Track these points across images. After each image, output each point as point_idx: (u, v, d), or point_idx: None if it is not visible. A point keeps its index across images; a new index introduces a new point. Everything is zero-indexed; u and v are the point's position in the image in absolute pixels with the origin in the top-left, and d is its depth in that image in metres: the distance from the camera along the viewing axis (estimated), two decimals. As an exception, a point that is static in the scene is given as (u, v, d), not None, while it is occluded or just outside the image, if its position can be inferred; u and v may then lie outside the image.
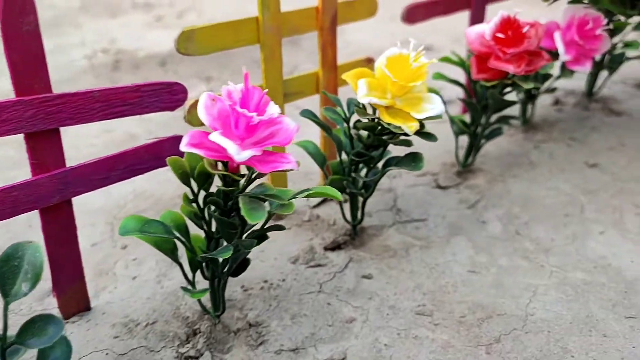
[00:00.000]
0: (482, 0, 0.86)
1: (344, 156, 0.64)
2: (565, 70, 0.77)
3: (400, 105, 0.58)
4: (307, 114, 0.64)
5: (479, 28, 0.66)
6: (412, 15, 0.80)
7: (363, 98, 0.56)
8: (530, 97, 0.84)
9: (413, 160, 0.61)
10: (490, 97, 0.69)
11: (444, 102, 0.58)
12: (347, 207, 0.71)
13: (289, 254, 0.67)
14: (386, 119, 0.57)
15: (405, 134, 0.58)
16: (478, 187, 0.76)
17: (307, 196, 0.53)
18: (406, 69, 0.56)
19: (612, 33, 0.89)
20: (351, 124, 0.61)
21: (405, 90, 0.57)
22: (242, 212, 0.46)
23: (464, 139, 0.84)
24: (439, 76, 0.72)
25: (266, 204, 0.49)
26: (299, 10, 0.68)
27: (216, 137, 0.46)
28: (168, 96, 0.57)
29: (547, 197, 0.74)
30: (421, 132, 0.59)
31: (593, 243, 0.67)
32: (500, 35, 0.63)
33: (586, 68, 0.76)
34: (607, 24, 0.80)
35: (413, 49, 0.57)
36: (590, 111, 0.95)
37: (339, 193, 0.53)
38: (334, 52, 0.72)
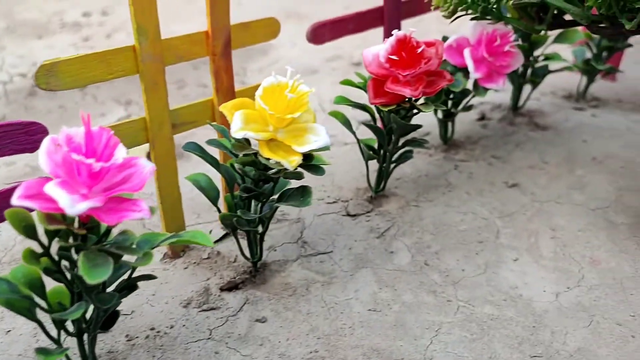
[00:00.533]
0: (396, 15, 0.82)
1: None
2: (479, 88, 0.73)
3: (282, 137, 0.53)
4: (191, 147, 0.59)
5: (375, 49, 0.62)
6: (317, 36, 0.76)
7: (237, 133, 0.51)
8: (448, 115, 0.80)
9: (302, 195, 0.56)
10: (394, 121, 0.65)
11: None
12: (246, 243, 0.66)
13: (182, 296, 0.61)
14: (266, 153, 0.52)
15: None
16: (390, 214, 0.72)
17: (174, 243, 0.48)
18: (283, 99, 0.51)
19: (532, 46, 0.86)
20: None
21: (286, 122, 0.53)
22: (81, 271, 0.40)
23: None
24: (341, 100, 0.67)
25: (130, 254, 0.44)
26: (184, 36, 0.63)
27: (50, 188, 0.40)
28: (24, 137, 0.51)
29: (462, 222, 0.70)
30: (307, 165, 0.54)
31: (506, 272, 0.63)
32: (393, 57, 0.59)
33: (499, 85, 0.73)
34: (517, 39, 0.77)
35: (290, 77, 0.52)
36: (516, 126, 0.91)
37: (210, 239, 0.48)
38: (229, 78, 0.68)
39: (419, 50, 0.59)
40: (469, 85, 0.75)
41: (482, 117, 0.93)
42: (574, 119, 0.94)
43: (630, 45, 0.99)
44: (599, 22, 0.66)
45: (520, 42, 0.82)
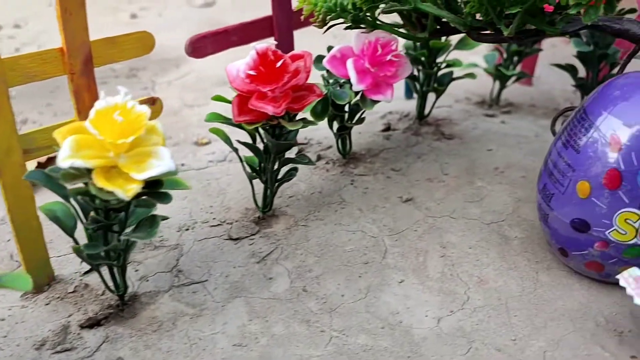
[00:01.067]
0: (287, 25, 0.78)
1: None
2: (366, 100, 0.69)
3: (123, 164, 0.48)
4: (33, 176, 0.53)
5: (238, 64, 0.57)
6: (198, 49, 0.71)
7: (63, 161, 0.46)
8: (342, 129, 0.76)
9: (150, 225, 0.51)
10: (266, 140, 0.60)
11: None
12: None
13: (37, 337, 0.56)
14: (101, 182, 0.47)
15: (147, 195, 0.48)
16: (275, 236, 0.67)
17: (-12, 288, 0.42)
18: (115, 123, 0.46)
19: (433, 53, 0.82)
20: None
21: (124, 147, 0.48)
22: None
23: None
24: (213, 117, 0.63)
25: None
26: (34, 54, 0.58)
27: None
28: None
29: (350, 242, 0.66)
30: (153, 193, 0.49)
31: (388, 296, 0.59)
32: (251, 72, 0.54)
33: (387, 97, 0.69)
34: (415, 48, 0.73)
35: (123, 97, 0.47)
36: (421, 136, 0.88)
37: (30, 283, 0.43)
38: (92, 98, 0.62)
39: (278, 64, 0.54)
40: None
41: (388, 128, 0.90)
42: (483, 126, 0.91)
43: (539, 50, 0.97)
44: (479, 29, 0.63)
45: (420, 48, 0.78)
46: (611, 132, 0.53)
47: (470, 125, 0.91)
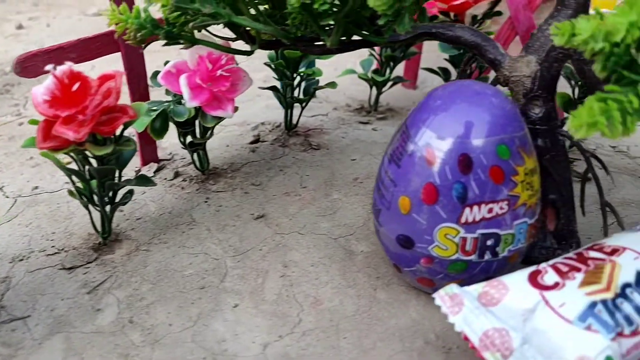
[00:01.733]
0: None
1: None
2: (206, 116, 0.66)
3: None
4: None
5: (43, 86, 0.53)
6: (28, 69, 0.66)
7: None
8: (193, 145, 0.73)
9: None
10: (83, 165, 0.57)
11: None
12: None
13: None
14: None
15: None
16: (113, 263, 0.63)
17: None
18: None
19: (290, 64, 0.80)
20: None
21: None
22: None
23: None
24: (30, 142, 0.58)
25: None
26: None
27: None
28: None
29: (190, 266, 0.63)
30: None
31: (218, 323, 0.56)
32: (46, 97, 0.51)
33: (227, 112, 0.66)
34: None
35: None
36: (288, 147, 0.85)
37: None
38: None
39: (74, 87, 0.50)
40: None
41: (257, 140, 0.87)
42: (353, 135, 0.89)
43: (415, 53, 0.95)
44: (309, 39, 0.60)
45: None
46: (427, 146, 0.52)
47: (340, 134, 0.89)
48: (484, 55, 0.61)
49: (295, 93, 0.84)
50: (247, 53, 0.60)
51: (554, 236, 0.62)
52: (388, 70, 0.94)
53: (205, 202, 0.73)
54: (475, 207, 0.51)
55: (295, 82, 0.82)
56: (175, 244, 0.66)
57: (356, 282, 0.61)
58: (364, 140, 0.87)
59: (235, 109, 0.68)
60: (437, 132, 0.51)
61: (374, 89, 0.97)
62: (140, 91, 0.73)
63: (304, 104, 0.85)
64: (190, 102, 0.63)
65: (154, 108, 0.65)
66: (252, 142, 0.87)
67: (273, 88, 0.81)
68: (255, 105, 0.99)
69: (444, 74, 0.93)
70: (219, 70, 0.62)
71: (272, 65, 0.80)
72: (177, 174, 0.78)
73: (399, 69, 1.05)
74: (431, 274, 0.55)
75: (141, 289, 0.60)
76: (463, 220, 0.51)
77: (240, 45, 0.61)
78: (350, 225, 0.69)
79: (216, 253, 0.65)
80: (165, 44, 0.57)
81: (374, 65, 0.96)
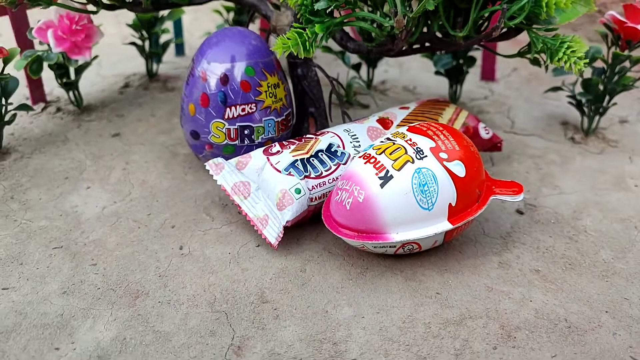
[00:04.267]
0: (19, 7, 0.98)
1: None
2: (70, 60, 0.91)
3: None
4: None
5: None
6: None
7: None
8: (67, 84, 0.98)
9: None
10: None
11: None
12: None
13: None
14: None
15: None
16: (1, 166, 0.88)
17: None
18: None
19: (144, 24, 1.05)
20: None
21: None
22: None
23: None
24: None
25: None
26: None
27: None
28: None
29: (59, 166, 0.88)
30: None
31: (74, 197, 0.82)
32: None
33: (86, 57, 0.91)
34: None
35: None
36: (149, 90, 1.11)
37: None
38: None
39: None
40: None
41: (126, 86, 1.12)
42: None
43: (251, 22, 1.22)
44: (132, 3, 0.86)
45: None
46: (202, 69, 0.78)
47: (193, 80, 1.15)
48: (259, 11, 0.88)
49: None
50: (93, 12, 0.85)
51: (314, 137, 0.90)
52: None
53: (78, 127, 0.99)
54: (233, 108, 0.78)
55: (149, 39, 1.07)
56: (51, 153, 0.92)
57: (174, 170, 0.87)
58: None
59: (95, 57, 0.93)
60: (209, 59, 0.78)
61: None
62: (25, 43, 0.98)
63: (160, 56, 1.10)
64: (55, 49, 0.88)
65: (30, 54, 0.90)
66: (122, 87, 1.12)
67: (133, 43, 1.07)
68: (133, 62, 1.24)
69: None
70: (75, 25, 0.87)
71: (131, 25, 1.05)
72: (58, 109, 1.03)
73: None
74: (214, 156, 0.82)
75: (21, 180, 0.86)
76: (226, 116, 0.78)
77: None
78: (180, 138, 0.95)
79: (80, 158, 0.91)
80: (30, 7, 0.82)
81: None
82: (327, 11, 0.71)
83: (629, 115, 1.08)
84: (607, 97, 0.94)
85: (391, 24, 0.70)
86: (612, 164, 0.92)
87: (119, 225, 0.76)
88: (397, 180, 0.64)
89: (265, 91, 0.78)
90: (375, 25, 0.74)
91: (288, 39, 0.70)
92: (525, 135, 1.00)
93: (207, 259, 0.70)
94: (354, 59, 1.21)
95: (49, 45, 0.90)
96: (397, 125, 0.80)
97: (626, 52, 0.90)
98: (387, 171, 0.64)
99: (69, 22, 0.86)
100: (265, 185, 0.72)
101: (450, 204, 0.65)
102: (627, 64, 0.94)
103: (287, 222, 0.69)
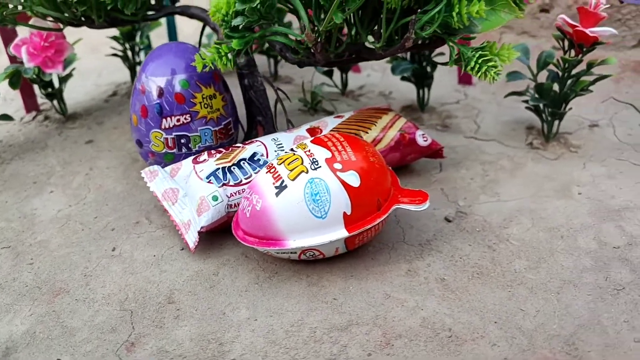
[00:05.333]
0: None
1: None
2: (45, 74, 0.99)
3: None
4: None
5: None
6: None
7: None
8: (49, 95, 1.06)
9: None
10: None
11: None
12: None
13: None
14: None
15: None
16: (-16, 171, 0.97)
17: None
18: None
19: (125, 36, 1.12)
20: None
21: None
22: None
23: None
24: None
25: None
26: None
27: None
28: None
29: (32, 171, 0.96)
30: None
31: (36, 200, 0.89)
32: None
33: (59, 70, 0.99)
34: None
35: None
36: (133, 98, 1.17)
37: None
38: None
39: None
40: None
41: (114, 94, 1.20)
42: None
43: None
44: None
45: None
46: (142, 82, 0.84)
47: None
48: (208, 25, 0.93)
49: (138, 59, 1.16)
50: (58, 30, 0.93)
51: (263, 144, 0.93)
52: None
53: (59, 134, 1.07)
54: (169, 118, 0.83)
55: (136, 49, 1.14)
56: (28, 159, 1.00)
57: (130, 176, 0.93)
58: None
59: (73, 69, 1.01)
60: (148, 73, 0.83)
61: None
62: (14, 57, 1.07)
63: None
64: (28, 64, 0.96)
65: (9, 69, 0.99)
66: (109, 96, 1.19)
67: (116, 55, 1.14)
68: (123, 72, 1.32)
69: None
70: (43, 42, 0.95)
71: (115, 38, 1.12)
72: (46, 118, 1.12)
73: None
74: (158, 164, 0.87)
75: (-4, 184, 0.94)
76: (163, 126, 0.83)
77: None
78: (146, 144, 1.01)
79: (52, 163, 0.98)
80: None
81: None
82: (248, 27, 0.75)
83: (601, 119, 1.05)
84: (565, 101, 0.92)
85: (302, 38, 0.72)
86: (564, 170, 0.90)
87: (66, 227, 0.82)
88: (290, 189, 0.67)
89: (200, 102, 0.82)
90: (294, 39, 0.76)
91: (207, 54, 0.74)
92: (485, 141, 1.00)
93: (133, 261, 0.75)
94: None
95: (22, 60, 0.98)
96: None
97: (580, 57, 0.88)
98: (283, 181, 0.67)
99: (39, 39, 0.94)
100: (190, 192, 0.77)
101: (344, 212, 0.67)
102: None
103: (201, 227, 0.73)
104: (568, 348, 0.60)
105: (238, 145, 0.81)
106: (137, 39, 1.14)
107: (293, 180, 0.67)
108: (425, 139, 0.86)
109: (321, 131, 0.83)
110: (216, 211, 0.74)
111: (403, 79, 1.06)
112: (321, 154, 0.68)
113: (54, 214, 0.85)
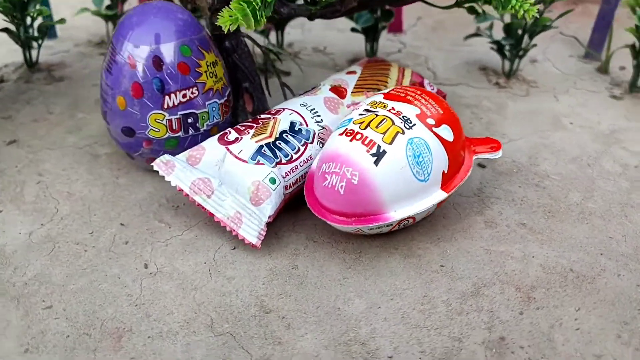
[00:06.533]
0: None
1: None
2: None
3: None
4: None
5: None
6: None
7: None
8: None
9: None
10: None
11: None
12: None
13: None
14: None
15: None
16: None
17: None
18: None
19: (17, 7, 0.87)
20: None
21: None
22: None
23: None
24: None
25: None
26: None
27: None
28: None
29: (-48, 190, 0.71)
30: None
31: (-15, 226, 0.66)
32: None
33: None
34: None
35: None
36: (32, 83, 0.93)
37: None
38: None
39: None
40: None
41: (1, 80, 0.94)
42: (94, 66, 1.00)
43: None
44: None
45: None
46: (128, 54, 0.66)
47: (82, 67, 0.99)
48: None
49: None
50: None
51: (253, 115, 0.81)
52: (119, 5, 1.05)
53: (-42, 138, 0.81)
54: (173, 95, 0.67)
55: (28, 22, 0.90)
56: None
57: (101, 176, 0.74)
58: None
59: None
60: (135, 42, 0.66)
61: (110, 24, 1.08)
62: None
63: (40, 42, 0.93)
64: None
65: None
66: (-3, 83, 0.93)
67: (5, 30, 0.89)
68: (5, 49, 1.05)
69: None
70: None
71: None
72: None
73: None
74: (154, 154, 0.70)
75: None
76: (165, 106, 0.67)
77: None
78: (94, 136, 0.81)
79: (-26, 176, 0.74)
80: None
81: (107, 2, 1.06)
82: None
83: (537, 54, 1.10)
84: (525, 39, 0.95)
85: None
86: (542, 105, 0.93)
87: (59, 253, 0.63)
88: (391, 154, 0.58)
89: (206, 71, 0.68)
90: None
91: (235, 9, 0.61)
92: (453, 85, 0.99)
93: (182, 274, 0.60)
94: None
95: None
96: (352, 92, 0.74)
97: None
98: (379, 146, 0.59)
99: None
100: (230, 178, 0.63)
101: (443, 171, 0.61)
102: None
103: (269, 217, 0.62)
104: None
105: (264, 116, 0.69)
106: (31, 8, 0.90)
107: (390, 143, 0.59)
108: (432, 87, 0.82)
109: (346, 90, 0.74)
110: (277, 195, 0.62)
111: (353, 30, 1.00)
112: (409, 110, 0.61)
113: (25, 239, 0.65)
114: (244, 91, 0.79)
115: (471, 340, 0.54)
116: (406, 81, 0.79)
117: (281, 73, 0.94)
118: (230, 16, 0.60)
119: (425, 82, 0.82)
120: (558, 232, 0.67)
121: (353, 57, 1.07)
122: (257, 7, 0.61)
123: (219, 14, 0.60)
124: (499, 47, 0.96)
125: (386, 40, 1.14)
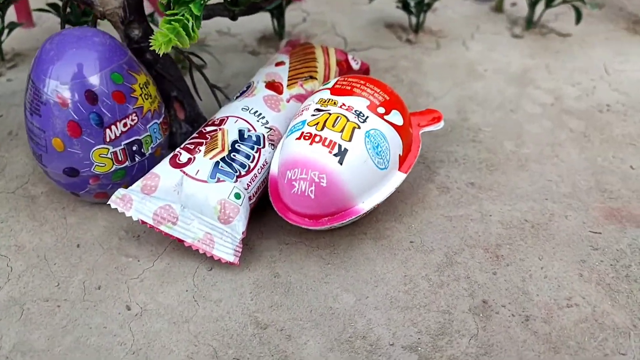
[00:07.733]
0: None
1: None
2: None
3: None
4: None
5: None
6: None
7: None
8: None
9: None
10: None
11: None
12: None
13: None
14: None
15: None
16: None
17: None
18: None
19: None
20: None
21: None
22: None
23: None
24: None
25: None
26: None
27: None
28: None
29: None
30: None
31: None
32: None
33: None
34: None
35: None
36: None
37: None
38: None
39: None
40: None
41: None
42: (-8, 91, 0.92)
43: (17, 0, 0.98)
44: None
45: None
46: (56, 92, 0.62)
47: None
48: (76, -2, 0.71)
49: None
50: None
51: (186, 122, 0.79)
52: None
53: None
54: (113, 127, 0.64)
55: None
56: None
57: (47, 219, 0.70)
58: (2, 95, 0.91)
59: None
60: (60, 79, 0.62)
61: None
62: None
63: None
64: None
65: None
66: None
67: None
68: None
69: (55, 9, 0.98)
70: None
71: None
72: None
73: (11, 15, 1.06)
74: (102, 188, 0.67)
75: None
76: (108, 139, 0.64)
77: None
78: (22, 175, 0.76)
79: None
80: None
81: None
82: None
83: (435, 3, 1.13)
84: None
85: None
86: (454, 56, 0.97)
87: (30, 315, 0.60)
88: (352, 151, 0.60)
89: (141, 94, 0.65)
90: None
91: (167, 30, 0.58)
92: (366, 50, 1.01)
93: (168, 308, 0.60)
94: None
95: None
96: (287, 86, 0.74)
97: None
98: (340, 145, 0.60)
99: None
100: (193, 201, 0.63)
101: (399, 155, 0.64)
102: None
103: (242, 233, 0.62)
104: None
105: (209, 129, 0.68)
106: None
107: (350, 140, 0.60)
108: (356, 61, 0.84)
109: (281, 84, 0.74)
110: (245, 209, 0.63)
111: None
112: (359, 103, 0.62)
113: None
114: (174, 100, 0.77)
115: (459, 310, 0.58)
116: (332, 61, 0.80)
117: (196, 67, 0.91)
118: (162, 37, 0.58)
119: (349, 57, 0.83)
120: (504, 184, 0.72)
121: (261, 35, 1.05)
122: (187, 22, 0.59)
123: (151, 37, 0.58)
124: (404, 5, 0.98)
125: (290, 11, 1.13)
